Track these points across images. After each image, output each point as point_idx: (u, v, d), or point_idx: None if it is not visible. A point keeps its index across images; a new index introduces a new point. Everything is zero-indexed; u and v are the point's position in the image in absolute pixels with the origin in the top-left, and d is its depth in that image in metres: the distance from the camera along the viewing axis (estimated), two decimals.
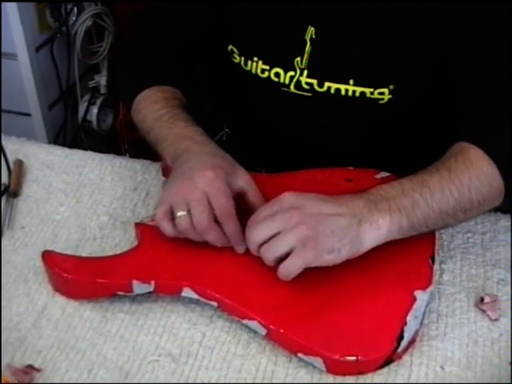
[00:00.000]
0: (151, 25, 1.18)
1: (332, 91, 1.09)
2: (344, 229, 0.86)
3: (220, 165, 0.92)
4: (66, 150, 1.22)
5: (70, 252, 0.98)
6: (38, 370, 0.84)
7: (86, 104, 2.06)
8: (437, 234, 0.97)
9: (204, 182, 0.89)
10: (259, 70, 1.13)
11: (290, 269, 0.85)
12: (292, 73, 1.10)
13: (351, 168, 1.06)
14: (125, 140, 2.09)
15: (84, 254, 0.99)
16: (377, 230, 0.88)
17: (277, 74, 1.11)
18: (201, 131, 1.00)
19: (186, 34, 1.16)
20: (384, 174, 1.05)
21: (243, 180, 0.94)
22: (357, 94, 1.08)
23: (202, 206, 0.88)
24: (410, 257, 0.92)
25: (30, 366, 0.84)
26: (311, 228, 0.85)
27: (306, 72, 1.10)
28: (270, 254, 0.86)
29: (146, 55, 1.15)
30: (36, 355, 0.86)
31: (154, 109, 1.05)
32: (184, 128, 1.00)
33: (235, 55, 1.15)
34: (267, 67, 1.12)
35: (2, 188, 1.11)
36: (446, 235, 1.03)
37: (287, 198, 0.89)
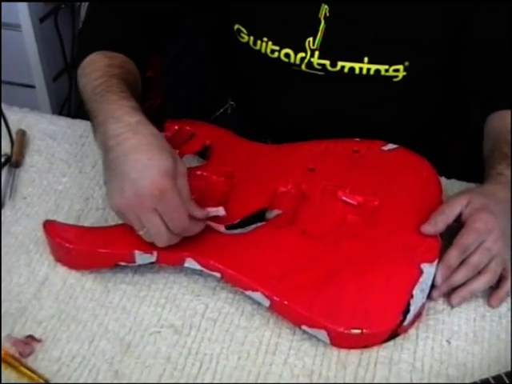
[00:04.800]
0: None
1: (345, 70, 1.07)
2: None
3: (166, 169, 0.82)
4: (69, 120, 1.21)
5: (72, 223, 0.97)
6: (39, 341, 0.83)
7: None
8: None
9: (153, 201, 0.81)
10: (269, 50, 1.10)
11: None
12: (302, 54, 1.08)
13: (358, 139, 1.05)
14: None
15: (86, 225, 0.97)
16: None
17: (287, 55, 1.09)
18: (134, 107, 0.88)
19: (158, 9, 1.09)
20: (391, 146, 1.03)
21: (182, 179, 0.85)
22: (371, 72, 1.06)
23: (157, 227, 0.83)
24: (417, 229, 0.90)
25: (31, 337, 0.83)
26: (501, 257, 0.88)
27: (317, 53, 1.08)
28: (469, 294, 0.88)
29: (108, 20, 1.07)
30: (37, 326, 0.85)
31: (93, 77, 0.95)
32: (114, 104, 0.88)
33: (243, 34, 1.12)
34: (277, 48, 1.10)
35: (4, 158, 1.10)
36: None
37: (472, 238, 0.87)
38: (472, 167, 1.06)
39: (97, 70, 0.96)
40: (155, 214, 0.82)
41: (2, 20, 1.83)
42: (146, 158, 0.82)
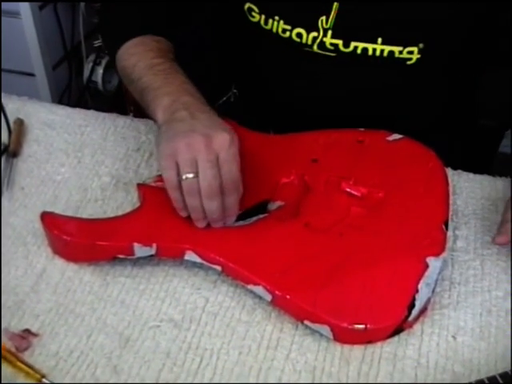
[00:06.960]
0: None
1: (358, 51, 1.05)
2: None
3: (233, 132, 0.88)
4: (68, 110, 1.19)
5: (70, 214, 0.96)
6: (36, 335, 0.82)
7: (91, 64, 2.03)
8: (450, 199, 0.94)
9: (221, 145, 0.84)
10: (280, 30, 1.08)
11: None
12: (315, 33, 1.06)
13: (362, 129, 1.03)
14: (130, 102, 2.06)
15: (85, 216, 0.96)
16: None
17: (299, 35, 1.07)
18: (200, 93, 0.96)
19: None
20: (396, 136, 1.02)
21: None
22: (385, 54, 1.04)
23: (215, 170, 0.84)
24: (423, 222, 0.89)
25: (28, 331, 0.82)
26: None
27: (330, 32, 1.05)
28: None
29: (140, 6, 1.10)
30: (34, 320, 0.84)
31: (148, 56, 1.01)
32: (184, 83, 0.96)
33: (254, 13, 1.10)
34: (289, 27, 1.07)
35: (2, 148, 1.08)
36: (460, 201, 1.00)
37: None
38: (478, 158, 1.04)
39: (150, 49, 1.03)
40: (216, 159, 0.84)
41: (2, 7, 1.82)
42: (219, 120, 0.90)
